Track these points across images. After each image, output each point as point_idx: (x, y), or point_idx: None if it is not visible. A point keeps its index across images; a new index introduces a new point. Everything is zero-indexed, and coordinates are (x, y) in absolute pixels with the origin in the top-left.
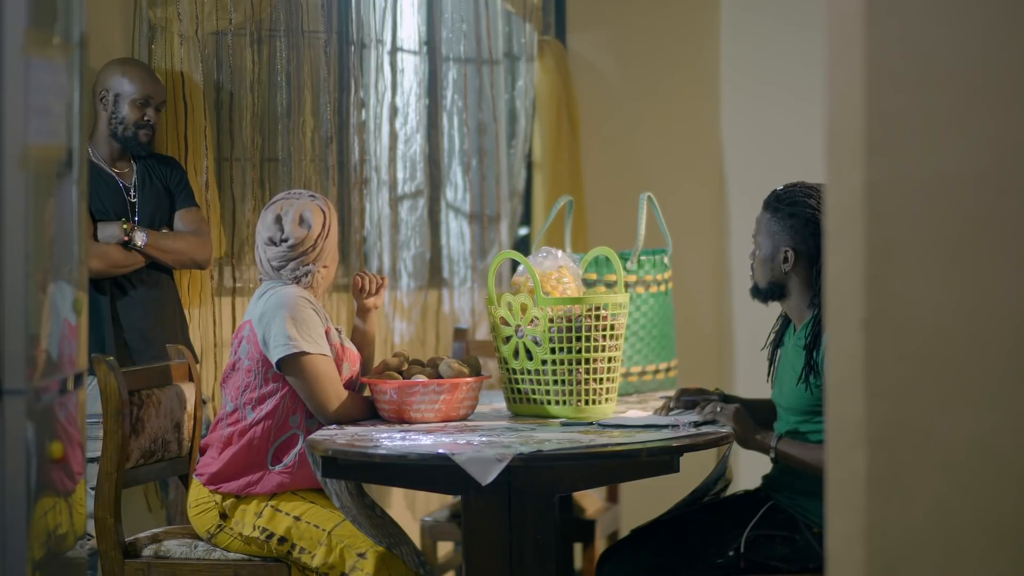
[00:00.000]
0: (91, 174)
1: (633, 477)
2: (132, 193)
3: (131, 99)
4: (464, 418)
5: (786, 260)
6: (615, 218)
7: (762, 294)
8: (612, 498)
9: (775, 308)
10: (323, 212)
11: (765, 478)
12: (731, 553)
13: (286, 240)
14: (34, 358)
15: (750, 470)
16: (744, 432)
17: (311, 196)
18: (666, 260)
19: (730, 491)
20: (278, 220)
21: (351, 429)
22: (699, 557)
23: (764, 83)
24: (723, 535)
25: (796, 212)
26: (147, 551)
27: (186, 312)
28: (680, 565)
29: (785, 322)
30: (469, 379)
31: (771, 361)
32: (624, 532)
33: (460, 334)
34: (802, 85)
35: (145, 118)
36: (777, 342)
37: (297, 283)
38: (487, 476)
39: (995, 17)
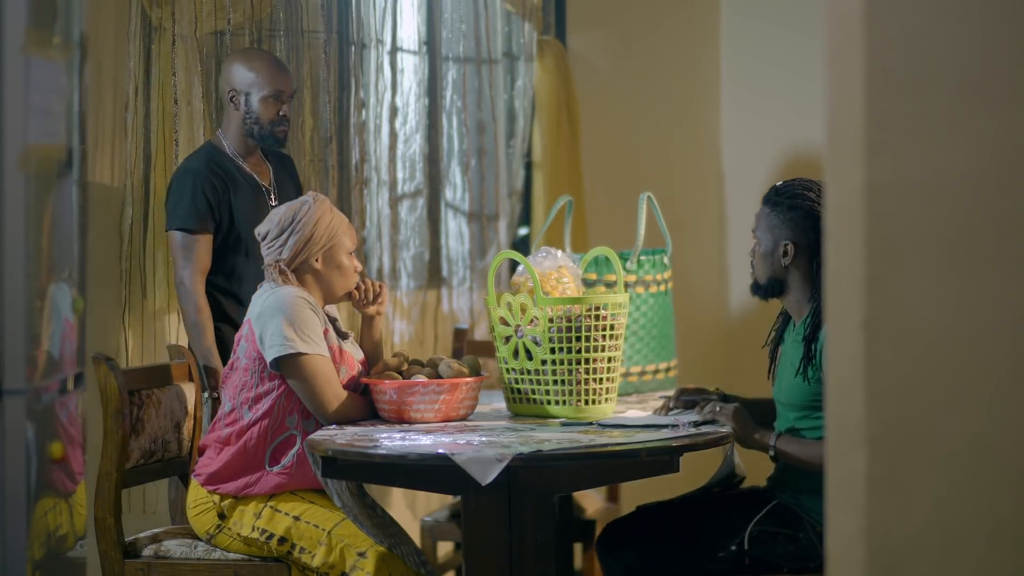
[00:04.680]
0: (230, 174)
1: (633, 477)
2: (272, 196)
3: (262, 97)
4: (464, 418)
5: (786, 254)
6: (615, 218)
7: (762, 290)
8: (612, 498)
9: (775, 307)
10: (300, 207)
11: (770, 479)
12: (734, 548)
13: (258, 234)
14: (34, 358)
15: (761, 468)
16: (743, 431)
17: (306, 197)
18: (666, 260)
19: (743, 485)
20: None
21: (351, 429)
22: (701, 548)
23: (763, 82)
24: (727, 528)
25: (796, 205)
26: (147, 551)
27: None
28: (682, 555)
29: (785, 319)
30: (469, 379)
31: (772, 359)
32: None
33: (460, 334)
34: (801, 85)
35: (280, 113)
36: (778, 339)
37: (273, 273)
38: (487, 476)
39: (995, 17)
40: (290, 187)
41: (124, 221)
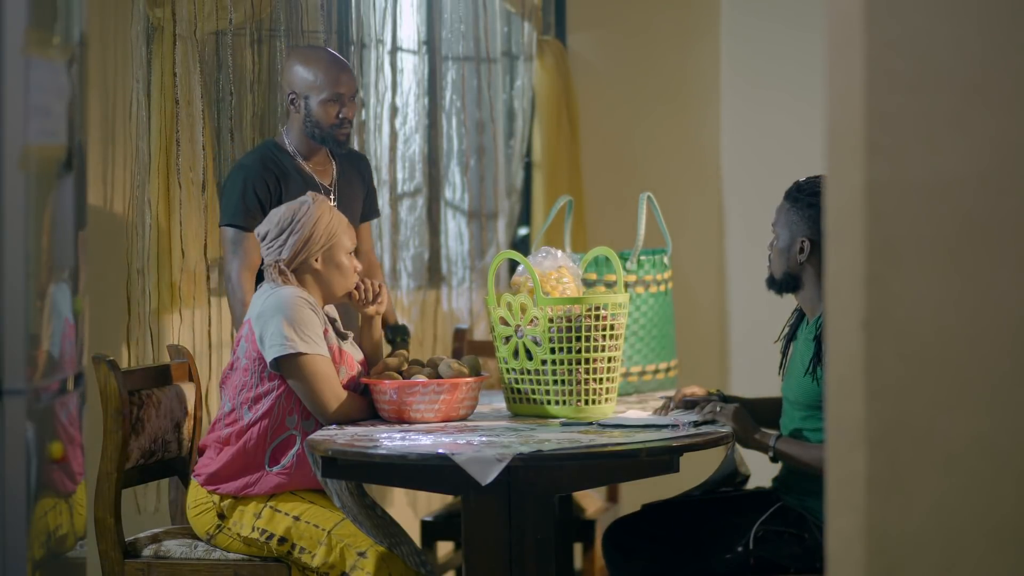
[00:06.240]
0: (285, 171)
1: (633, 477)
2: (332, 196)
3: (321, 100)
4: (464, 418)
5: (802, 250)
6: (615, 218)
7: (777, 285)
8: (612, 498)
9: (776, 307)
10: (300, 207)
11: (775, 480)
12: (739, 549)
13: (257, 234)
14: (34, 358)
15: (767, 470)
16: (744, 431)
17: (305, 197)
18: (666, 260)
19: (749, 485)
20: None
21: (351, 429)
22: (707, 550)
23: (763, 83)
24: (733, 529)
25: (815, 203)
26: (147, 551)
27: (180, 313)
28: (688, 555)
29: (799, 316)
30: (469, 379)
31: (784, 354)
32: None
33: (460, 334)
34: (801, 85)
35: (339, 116)
36: (791, 336)
37: (273, 273)
38: (487, 476)
39: (995, 17)
40: (358, 186)
41: (125, 221)
